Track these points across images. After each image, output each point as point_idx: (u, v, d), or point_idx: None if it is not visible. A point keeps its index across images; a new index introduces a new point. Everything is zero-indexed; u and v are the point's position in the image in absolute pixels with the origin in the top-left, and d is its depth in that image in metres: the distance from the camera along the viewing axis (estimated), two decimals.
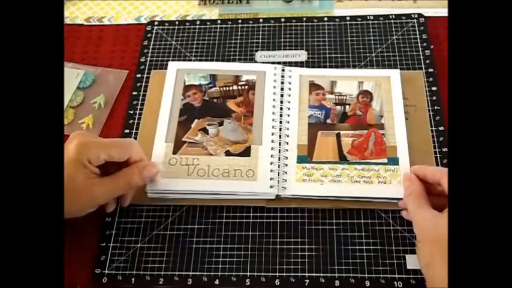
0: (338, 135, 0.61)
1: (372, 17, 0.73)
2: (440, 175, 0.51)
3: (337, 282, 0.53)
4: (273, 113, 0.62)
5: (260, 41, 0.72)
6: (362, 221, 0.56)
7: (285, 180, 0.58)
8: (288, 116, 0.63)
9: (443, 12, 0.73)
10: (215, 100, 0.65)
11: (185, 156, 0.60)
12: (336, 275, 0.53)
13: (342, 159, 0.59)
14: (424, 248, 0.48)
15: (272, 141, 0.60)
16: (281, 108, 0.63)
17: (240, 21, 0.75)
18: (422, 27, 0.71)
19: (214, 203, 0.58)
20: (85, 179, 0.50)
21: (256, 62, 0.70)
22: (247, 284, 0.53)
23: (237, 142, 0.61)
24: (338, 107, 0.64)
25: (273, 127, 0.61)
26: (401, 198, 0.55)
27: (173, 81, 0.66)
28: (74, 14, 0.79)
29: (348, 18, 0.73)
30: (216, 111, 0.64)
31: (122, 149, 0.53)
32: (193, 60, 0.70)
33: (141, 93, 0.68)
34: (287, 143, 0.60)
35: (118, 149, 0.52)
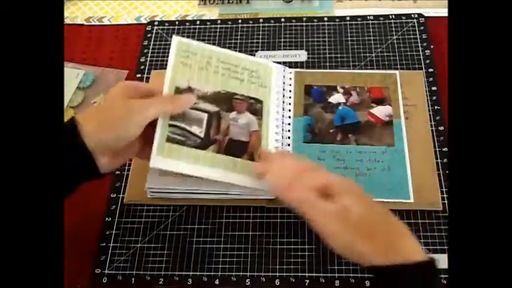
0: None
1: (371, 17, 0.73)
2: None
3: (337, 282, 0.53)
4: (277, 112, 0.62)
5: (260, 41, 0.72)
6: None
7: None
8: (289, 117, 0.63)
9: (443, 12, 0.73)
10: None
11: None
12: (336, 275, 0.53)
13: None
14: (344, 238, 0.43)
15: (276, 140, 0.60)
16: (283, 109, 0.63)
17: (240, 21, 0.75)
18: (422, 27, 0.71)
19: (214, 203, 0.58)
20: (126, 99, 0.51)
21: None
22: (247, 284, 0.53)
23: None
24: None
25: (277, 126, 0.61)
26: None
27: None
28: (74, 14, 0.79)
29: (348, 18, 0.73)
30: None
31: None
32: None
33: None
34: (288, 145, 0.60)
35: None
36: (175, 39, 0.61)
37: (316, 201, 0.44)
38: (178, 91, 0.57)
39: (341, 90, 0.65)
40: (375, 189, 0.57)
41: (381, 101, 0.63)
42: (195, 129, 0.56)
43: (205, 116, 0.58)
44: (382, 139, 0.60)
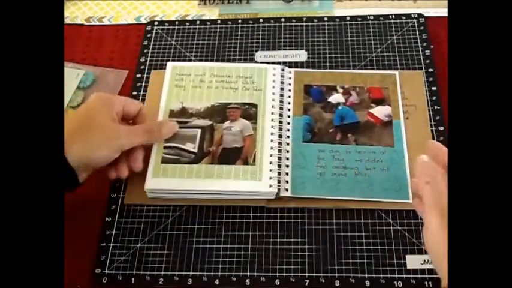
0: None
1: (371, 17, 0.73)
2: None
3: (337, 282, 0.53)
4: (273, 113, 0.62)
5: (260, 41, 0.72)
6: (362, 221, 0.56)
7: (286, 181, 0.58)
8: (288, 117, 0.63)
9: (443, 12, 0.73)
10: None
11: None
12: (336, 275, 0.53)
13: None
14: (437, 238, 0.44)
15: (272, 141, 0.60)
16: (281, 108, 0.63)
17: (240, 21, 0.75)
18: (422, 27, 0.71)
19: (214, 203, 0.58)
20: (111, 120, 0.54)
21: (256, 62, 0.70)
22: (247, 284, 0.53)
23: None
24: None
25: (272, 127, 0.61)
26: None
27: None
28: (74, 14, 0.79)
29: (348, 18, 0.73)
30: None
31: (134, 102, 0.59)
32: (193, 60, 0.70)
33: (141, 93, 0.68)
34: (288, 144, 0.60)
35: (131, 101, 0.59)
36: (170, 65, 0.66)
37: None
38: (173, 114, 0.62)
39: (340, 90, 0.65)
40: (373, 190, 0.57)
41: (380, 101, 0.63)
42: (188, 145, 0.60)
43: (198, 131, 0.61)
44: (382, 139, 0.60)
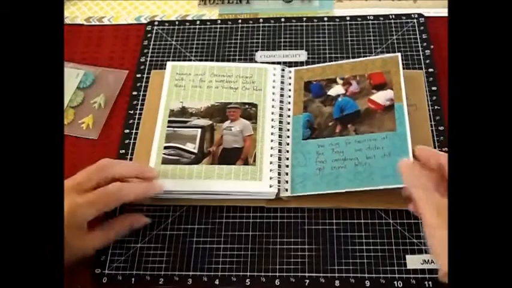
0: None
1: (371, 17, 0.73)
2: (443, 159, 0.48)
3: (337, 282, 0.53)
4: (273, 113, 0.62)
5: (260, 41, 0.72)
6: (362, 221, 0.56)
7: (286, 181, 0.58)
8: (288, 117, 0.63)
9: (443, 12, 0.73)
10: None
11: None
12: (336, 275, 0.53)
13: None
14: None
15: (272, 140, 0.60)
16: (281, 108, 0.63)
17: (240, 21, 0.75)
18: (422, 27, 0.71)
19: (214, 203, 0.58)
20: (76, 239, 0.51)
21: (256, 62, 0.70)
22: (247, 284, 0.53)
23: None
24: None
25: (272, 127, 0.61)
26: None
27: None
28: (74, 14, 0.79)
29: (348, 18, 0.73)
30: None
31: (107, 195, 0.53)
32: (193, 60, 0.70)
33: (141, 93, 0.68)
34: (287, 144, 0.60)
35: (102, 199, 0.52)
36: (169, 64, 0.66)
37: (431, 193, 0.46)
38: (172, 113, 0.62)
39: (340, 81, 0.64)
40: (374, 178, 0.55)
41: (381, 87, 0.62)
42: (188, 146, 0.60)
43: (198, 131, 0.61)
44: (383, 125, 0.59)
